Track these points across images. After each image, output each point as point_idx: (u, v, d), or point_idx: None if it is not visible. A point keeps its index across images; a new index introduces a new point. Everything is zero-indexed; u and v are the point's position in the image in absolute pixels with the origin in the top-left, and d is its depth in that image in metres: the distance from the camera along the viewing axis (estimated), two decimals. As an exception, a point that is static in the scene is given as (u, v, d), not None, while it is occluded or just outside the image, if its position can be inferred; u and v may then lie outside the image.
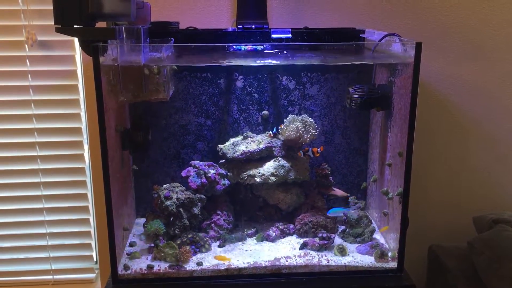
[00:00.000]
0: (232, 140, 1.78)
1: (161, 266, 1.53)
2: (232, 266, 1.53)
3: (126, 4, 1.33)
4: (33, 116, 1.86)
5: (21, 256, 1.99)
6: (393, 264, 1.54)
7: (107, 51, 1.39)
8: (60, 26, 1.32)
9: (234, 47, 1.57)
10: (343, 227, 1.74)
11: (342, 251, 1.60)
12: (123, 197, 1.64)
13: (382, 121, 1.70)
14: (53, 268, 2.00)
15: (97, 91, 1.35)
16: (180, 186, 1.71)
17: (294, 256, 1.58)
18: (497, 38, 1.89)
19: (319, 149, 1.72)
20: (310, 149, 1.72)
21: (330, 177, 1.80)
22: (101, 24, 1.40)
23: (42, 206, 1.93)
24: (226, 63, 1.55)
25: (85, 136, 1.91)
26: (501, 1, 1.86)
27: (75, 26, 1.33)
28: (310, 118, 1.74)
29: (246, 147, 1.72)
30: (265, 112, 1.83)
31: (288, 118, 1.73)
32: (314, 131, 1.72)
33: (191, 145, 1.85)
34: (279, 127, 1.74)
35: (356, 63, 1.70)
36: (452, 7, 1.86)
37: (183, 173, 1.72)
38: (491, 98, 1.95)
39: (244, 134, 1.79)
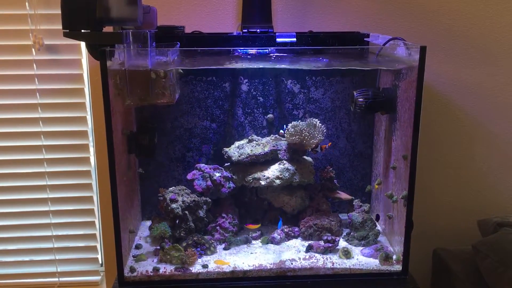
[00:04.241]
0: (237, 143, 1.79)
1: (167, 269, 1.54)
2: (237, 269, 1.54)
3: (133, 9, 1.35)
4: (39, 120, 1.88)
5: (27, 258, 2.01)
6: (398, 267, 1.55)
7: (114, 55, 1.41)
8: (68, 30, 1.34)
9: (239, 51, 1.58)
10: (347, 230, 1.75)
11: (347, 254, 1.60)
12: (129, 200, 1.65)
13: (387, 125, 1.70)
14: (59, 270, 2.01)
15: (104, 95, 1.37)
16: (185, 189, 1.72)
17: (299, 258, 1.59)
18: (503, 43, 1.89)
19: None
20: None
21: (334, 180, 1.81)
22: (108, 29, 1.41)
23: (48, 209, 1.95)
24: (231, 67, 1.56)
25: (90, 139, 1.92)
26: (507, 6, 1.86)
27: (82, 30, 1.34)
28: (318, 121, 1.74)
29: (251, 150, 1.73)
30: (270, 115, 1.84)
31: (291, 124, 1.74)
32: (321, 135, 1.72)
33: (196, 148, 1.86)
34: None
35: (361, 68, 1.70)
36: (457, 11, 1.86)
37: (189, 176, 1.73)
38: (497, 102, 1.95)
39: (249, 137, 1.80)
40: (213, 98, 1.82)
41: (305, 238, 1.72)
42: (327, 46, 1.66)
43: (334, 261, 1.57)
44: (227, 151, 1.76)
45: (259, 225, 1.74)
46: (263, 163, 1.74)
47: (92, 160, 1.94)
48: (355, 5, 1.86)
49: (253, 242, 1.71)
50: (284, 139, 1.77)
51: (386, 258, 1.57)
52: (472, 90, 1.94)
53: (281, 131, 1.79)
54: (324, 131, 1.74)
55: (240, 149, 1.75)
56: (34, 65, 1.83)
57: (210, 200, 1.72)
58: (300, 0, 1.84)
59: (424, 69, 1.38)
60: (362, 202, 1.80)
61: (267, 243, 1.70)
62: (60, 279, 2.03)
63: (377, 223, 1.77)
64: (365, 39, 1.71)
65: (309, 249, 1.64)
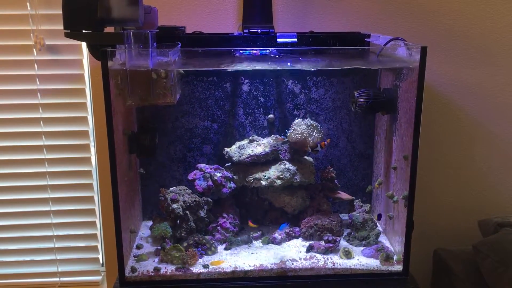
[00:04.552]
0: (238, 143, 1.79)
1: (167, 269, 1.54)
2: (238, 269, 1.54)
3: (134, 10, 1.35)
4: (41, 120, 1.88)
5: (28, 258, 2.01)
6: (399, 268, 1.55)
7: (115, 55, 1.41)
8: (69, 31, 1.34)
9: (240, 51, 1.58)
10: (348, 230, 1.75)
11: (348, 254, 1.61)
12: (130, 200, 1.66)
13: (387, 125, 1.71)
14: (59, 270, 2.02)
15: (106, 95, 1.37)
16: (186, 189, 1.72)
17: (300, 259, 1.59)
18: (503, 43, 1.89)
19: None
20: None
21: (335, 180, 1.81)
22: (109, 29, 1.41)
23: (49, 209, 1.95)
24: (232, 67, 1.56)
25: (91, 139, 1.93)
26: (507, 6, 1.86)
27: (83, 31, 1.34)
28: (314, 122, 1.74)
29: (252, 150, 1.74)
30: (271, 115, 1.85)
31: (295, 121, 1.74)
32: (320, 134, 1.72)
33: (197, 148, 1.86)
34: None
35: (362, 67, 1.70)
36: (457, 12, 1.87)
37: (190, 176, 1.73)
38: (497, 102, 1.95)
39: (250, 137, 1.80)
40: (214, 99, 1.82)
41: (306, 238, 1.72)
42: (328, 47, 1.66)
43: (335, 261, 1.57)
44: (228, 151, 1.77)
45: (258, 225, 1.75)
46: (264, 163, 1.74)
47: (93, 160, 1.94)
48: (356, 5, 1.86)
49: (254, 242, 1.71)
50: (286, 139, 1.77)
51: (387, 258, 1.57)
52: (473, 90, 1.94)
53: (281, 136, 1.79)
54: (320, 129, 1.74)
55: (241, 149, 1.75)
56: (35, 65, 1.84)
57: (211, 200, 1.73)
58: (301, 0, 1.84)
59: (424, 70, 1.39)
60: (362, 202, 1.81)
61: (268, 243, 1.70)
62: (61, 279, 2.03)
63: (378, 223, 1.77)
64: (365, 39, 1.72)
65: (310, 249, 1.64)
